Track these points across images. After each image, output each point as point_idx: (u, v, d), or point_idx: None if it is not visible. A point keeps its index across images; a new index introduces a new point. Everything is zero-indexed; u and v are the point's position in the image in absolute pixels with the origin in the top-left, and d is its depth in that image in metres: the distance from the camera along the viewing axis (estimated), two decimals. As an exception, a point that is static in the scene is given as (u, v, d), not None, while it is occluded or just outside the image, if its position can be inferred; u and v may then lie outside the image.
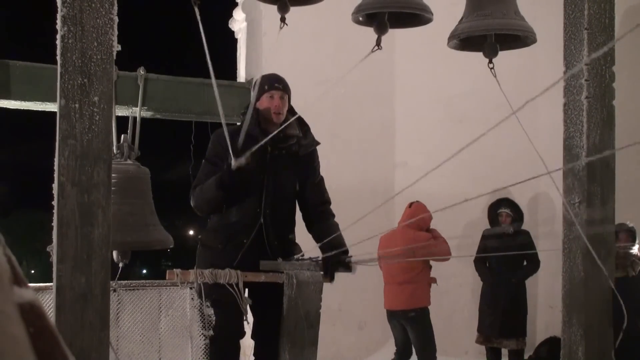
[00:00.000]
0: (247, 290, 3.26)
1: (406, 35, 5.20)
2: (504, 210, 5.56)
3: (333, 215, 3.54)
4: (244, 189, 3.29)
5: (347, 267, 3.25)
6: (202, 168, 3.38)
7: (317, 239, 3.43)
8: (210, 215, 3.50)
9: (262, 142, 3.07)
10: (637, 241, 4.75)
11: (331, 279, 3.21)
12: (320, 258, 3.25)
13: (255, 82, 3.45)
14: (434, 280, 5.32)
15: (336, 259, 3.22)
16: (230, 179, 3.11)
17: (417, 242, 5.13)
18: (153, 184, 4.09)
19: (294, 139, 3.39)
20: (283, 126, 3.25)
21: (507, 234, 5.50)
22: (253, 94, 3.39)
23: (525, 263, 5.57)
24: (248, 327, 3.41)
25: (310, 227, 3.55)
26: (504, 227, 5.56)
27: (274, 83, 3.35)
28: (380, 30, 2.87)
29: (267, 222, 3.33)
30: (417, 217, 4.96)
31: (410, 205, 5.28)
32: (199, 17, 2.47)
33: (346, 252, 3.28)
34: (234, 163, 3.01)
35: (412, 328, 5.27)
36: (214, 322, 3.27)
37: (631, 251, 4.46)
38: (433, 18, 2.96)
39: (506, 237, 5.49)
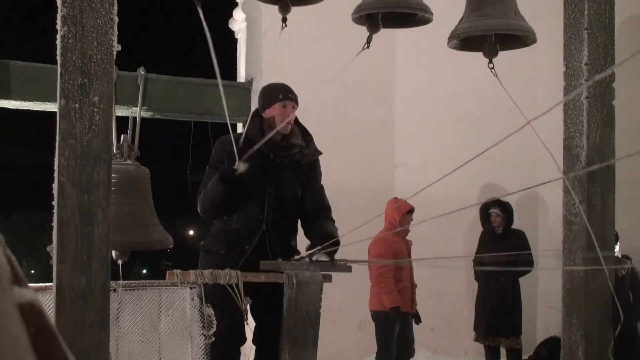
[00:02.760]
0: (247, 296, 3.26)
1: (406, 35, 5.22)
2: (493, 211, 5.61)
3: (332, 221, 3.52)
4: (246, 192, 3.30)
5: (331, 255, 3.18)
6: (206, 174, 3.39)
7: (312, 237, 3.41)
8: (214, 222, 3.51)
9: (260, 144, 3.07)
10: (617, 242, 4.80)
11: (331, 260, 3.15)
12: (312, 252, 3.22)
13: (264, 90, 3.45)
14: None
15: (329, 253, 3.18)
16: (231, 174, 3.13)
17: (370, 245, 5.11)
18: (153, 184, 4.09)
19: (297, 148, 3.40)
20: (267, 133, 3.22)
21: (498, 234, 5.56)
22: (261, 101, 3.41)
23: (519, 263, 5.61)
24: (249, 332, 3.41)
25: (307, 231, 3.54)
26: (495, 227, 5.62)
27: (288, 93, 3.36)
28: (372, 29, 2.87)
29: (269, 228, 3.35)
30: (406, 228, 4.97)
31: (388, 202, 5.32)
32: (202, 18, 2.47)
33: (337, 242, 3.22)
34: (235, 165, 3.03)
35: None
36: (215, 327, 3.27)
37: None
38: (433, 18, 2.96)
39: (499, 237, 5.53)
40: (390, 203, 5.25)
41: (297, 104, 3.40)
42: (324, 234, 3.28)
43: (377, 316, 5.27)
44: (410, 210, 5.15)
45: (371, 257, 5.05)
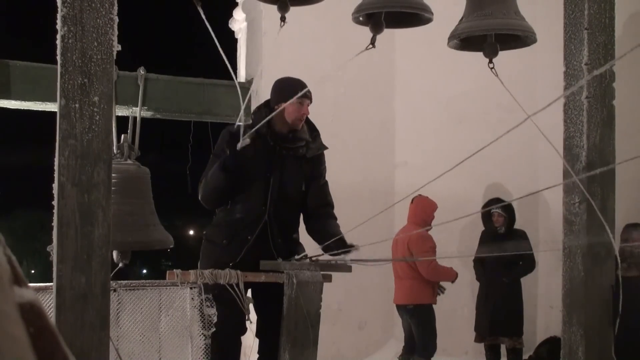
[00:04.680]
0: (250, 288, 3.27)
1: (406, 35, 5.20)
2: (495, 210, 5.60)
3: (335, 218, 3.55)
4: (250, 182, 3.32)
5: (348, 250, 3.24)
6: (209, 163, 3.43)
7: (319, 237, 3.43)
8: (216, 211, 3.52)
9: (264, 122, 3.10)
10: None
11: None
12: (321, 254, 3.26)
13: (282, 84, 3.46)
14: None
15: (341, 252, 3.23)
16: (232, 161, 3.15)
17: (414, 241, 5.19)
18: (153, 183, 4.09)
19: (303, 142, 3.42)
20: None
21: (500, 233, 5.56)
22: (277, 94, 3.41)
23: (520, 262, 5.61)
24: (250, 325, 3.42)
25: (310, 228, 3.56)
26: (497, 227, 5.62)
27: (307, 90, 3.38)
28: (376, 29, 2.87)
29: (272, 219, 3.37)
30: (428, 219, 4.99)
31: (413, 200, 5.36)
32: (204, 17, 2.47)
33: (349, 246, 3.28)
34: (239, 145, 3.07)
35: (412, 322, 5.39)
36: (215, 319, 3.28)
37: None
38: (433, 18, 2.96)
39: (500, 237, 5.53)
40: (420, 202, 5.32)
41: (311, 101, 3.43)
42: (332, 234, 3.28)
43: (417, 310, 5.31)
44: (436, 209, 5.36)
45: (425, 250, 5.19)
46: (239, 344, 3.49)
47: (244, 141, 3.08)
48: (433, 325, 5.34)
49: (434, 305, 5.41)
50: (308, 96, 3.38)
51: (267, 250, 3.33)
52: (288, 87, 3.40)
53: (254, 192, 3.35)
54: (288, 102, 3.25)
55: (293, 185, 3.44)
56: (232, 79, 3.12)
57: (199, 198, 3.44)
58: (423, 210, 5.33)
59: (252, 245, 3.33)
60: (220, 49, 2.45)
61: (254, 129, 3.12)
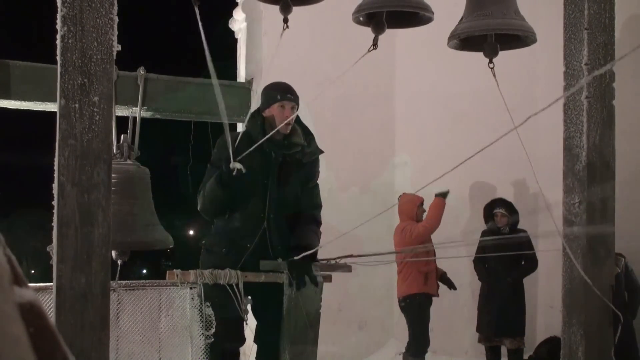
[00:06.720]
0: (249, 297, 3.27)
1: (406, 35, 5.21)
2: (498, 210, 5.59)
3: (318, 223, 3.51)
4: (248, 190, 3.31)
5: (313, 279, 3.20)
6: (207, 172, 3.41)
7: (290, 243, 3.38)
8: (215, 220, 3.51)
9: (257, 144, 3.11)
10: None
11: (297, 287, 3.16)
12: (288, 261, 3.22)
13: (265, 89, 3.47)
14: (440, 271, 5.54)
15: (301, 267, 3.18)
16: (228, 176, 3.14)
17: (404, 232, 5.35)
18: (153, 184, 4.09)
19: (299, 147, 3.42)
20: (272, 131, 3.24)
21: (503, 233, 5.54)
22: (262, 100, 3.42)
23: (523, 262, 5.60)
24: (249, 332, 3.42)
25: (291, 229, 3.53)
26: (500, 227, 5.60)
27: (287, 93, 3.37)
28: (377, 30, 2.86)
29: (271, 227, 3.35)
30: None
31: (398, 199, 5.53)
32: (199, 18, 2.47)
33: (314, 256, 3.24)
34: (231, 165, 3.07)
35: (405, 317, 5.42)
36: (214, 327, 3.27)
37: None
38: (434, 18, 2.96)
39: (503, 237, 5.52)
40: (402, 198, 5.48)
41: (297, 104, 3.40)
42: (301, 247, 3.25)
43: (407, 302, 5.37)
44: (422, 202, 5.46)
45: (419, 231, 5.32)
46: (237, 354, 3.49)
47: (237, 165, 3.08)
48: (425, 320, 5.35)
49: (434, 304, 5.42)
50: (290, 99, 3.36)
51: (266, 258, 3.31)
52: (270, 92, 3.42)
53: (252, 200, 3.34)
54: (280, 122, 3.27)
55: (291, 191, 3.43)
56: (232, 79, 3.13)
57: (199, 209, 3.43)
58: (407, 206, 5.44)
59: (251, 254, 3.31)
60: (207, 52, 2.45)
61: (245, 153, 3.11)
